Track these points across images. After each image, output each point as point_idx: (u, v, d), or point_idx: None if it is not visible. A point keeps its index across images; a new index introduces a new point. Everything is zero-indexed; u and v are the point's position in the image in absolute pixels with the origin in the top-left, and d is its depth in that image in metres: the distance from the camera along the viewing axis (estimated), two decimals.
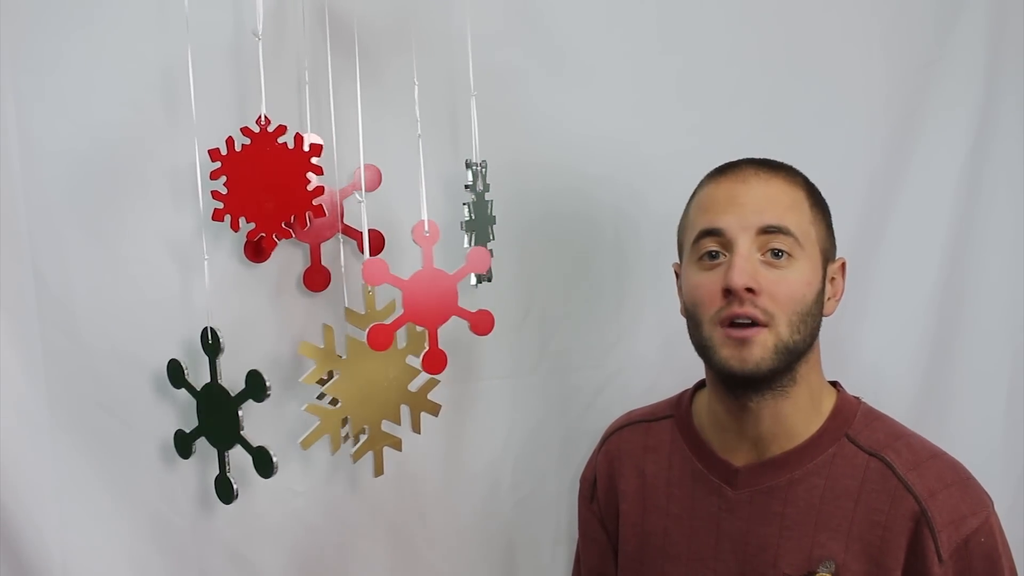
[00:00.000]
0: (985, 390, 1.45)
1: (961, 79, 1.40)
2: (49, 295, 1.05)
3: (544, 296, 1.33)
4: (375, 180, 1.13)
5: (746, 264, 0.97)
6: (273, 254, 1.11)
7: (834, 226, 1.11)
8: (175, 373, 1.05)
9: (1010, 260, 1.44)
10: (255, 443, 1.02)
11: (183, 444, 1.07)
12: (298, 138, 1.00)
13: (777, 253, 0.98)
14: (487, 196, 1.15)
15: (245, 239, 1.07)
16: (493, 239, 1.16)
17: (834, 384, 1.08)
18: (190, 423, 1.06)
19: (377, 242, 1.16)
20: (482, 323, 1.06)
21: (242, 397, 1.01)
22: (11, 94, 1.01)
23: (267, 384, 1.00)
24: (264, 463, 1.01)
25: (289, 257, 1.14)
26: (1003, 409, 1.45)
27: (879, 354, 1.41)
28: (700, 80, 1.33)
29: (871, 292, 1.40)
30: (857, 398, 1.07)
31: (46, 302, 1.05)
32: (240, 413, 1.01)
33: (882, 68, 1.38)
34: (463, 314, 1.04)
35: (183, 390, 1.05)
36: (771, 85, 1.36)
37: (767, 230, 0.98)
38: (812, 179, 1.06)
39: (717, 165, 1.07)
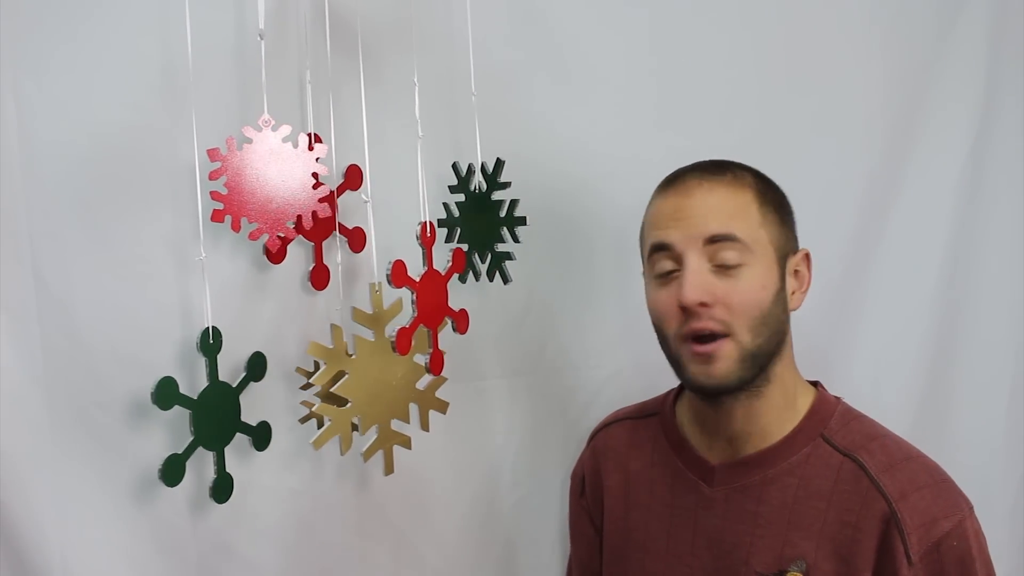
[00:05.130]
0: (986, 390, 1.45)
1: (961, 79, 1.41)
2: (49, 295, 1.05)
3: (544, 296, 1.33)
4: (357, 179, 1.14)
5: (696, 278, 0.97)
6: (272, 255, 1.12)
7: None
8: (165, 393, 1.00)
9: (1010, 260, 1.44)
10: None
11: (175, 469, 1.01)
12: (302, 138, 1.00)
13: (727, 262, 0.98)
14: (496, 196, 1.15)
15: (265, 242, 1.07)
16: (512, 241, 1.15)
17: (815, 384, 1.09)
18: (180, 434, 1.05)
19: (359, 240, 1.17)
20: (463, 321, 1.08)
21: (244, 383, 1.02)
22: (11, 94, 1.00)
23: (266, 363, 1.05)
24: (264, 438, 1.07)
25: (287, 257, 1.14)
26: (1004, 410, 1.46)
27: (880, 355, 1.41)
28: (700, 80, 1.34)
29: (871, 292, 1.40)
30: (837, 398, 1.08)
31: (46, 302, 1.04)
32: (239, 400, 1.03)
33: (882, 68, 1.39)
34: (451, 313, 1.06)
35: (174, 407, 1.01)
36: (771, 85, 1.36)
37: (713, 239, 0.98)
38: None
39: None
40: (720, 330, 0.97)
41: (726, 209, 1.00)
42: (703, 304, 0.97)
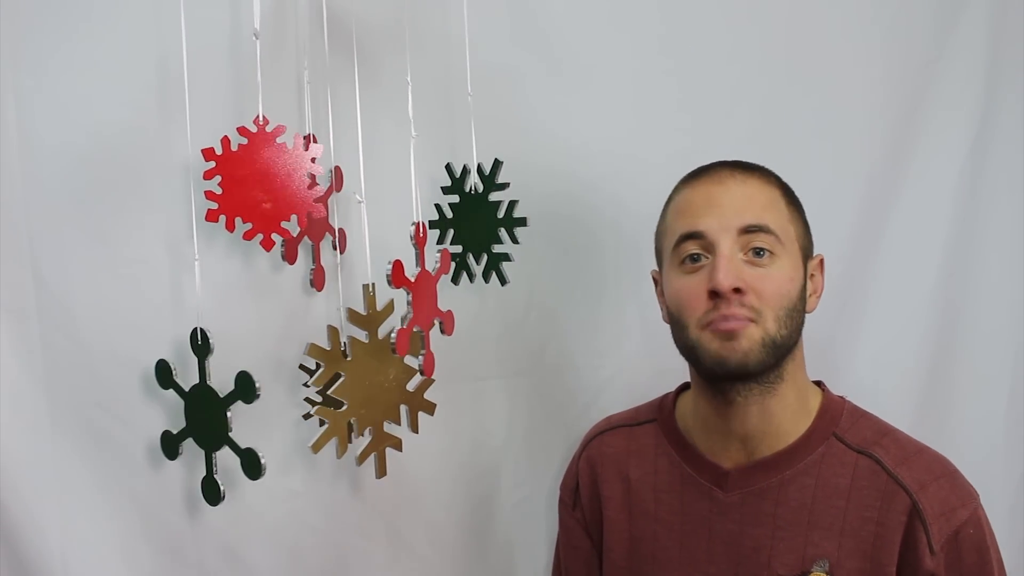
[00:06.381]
0: (986, 390, 1.45)
1: (961, 79, 1.40)
2: (48, 295, 1.05)
3: (544, 296, 1.33)
4: (339, 181, 1.15)
5: (730, 265, 0.98)
6: (265, 255, 1.12)
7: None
8: (163, 374, 1.04)
9: (1010, 260, 1.43)
10: (244, 444, 1.00)
11: (169, 445, 1.05)
12: (298, 138, 1.01)
13: (759, 252, 0.99)
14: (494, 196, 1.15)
15: (284, 243, 1.10)
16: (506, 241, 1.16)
17: (818, 384, 1.09)
18: (181, 424, 1.05)
19: (343, 241, 1.17)
20: (450, 323, 1.09)
21: (231, 398, 0.99)
22: (11, 94, 1.01)
23: (257, 386, 0.98)
24: (253, 465, 1.00)
25: (280, 257, 1.14)
26: (1004, 409, 1.45)
27: (880, 354, 1.41)
28: (699, 80, 1.34)
29: (871, 292, 1.40)
30: (842, 397, 1.08)
31: (45, 302, 1.05)
32: (229, 415, 0.99)
33: (882, 68, 1.38)
34: (440, 314, 1.06)
35: (171, 391, 1.04)
36: (770, 85, 1.36)
37: (748, 229, 0.99)
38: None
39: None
40: (750, 317, 0.97)
41: (760, 200, 1.01)
42: (736, 290, 0.97)
